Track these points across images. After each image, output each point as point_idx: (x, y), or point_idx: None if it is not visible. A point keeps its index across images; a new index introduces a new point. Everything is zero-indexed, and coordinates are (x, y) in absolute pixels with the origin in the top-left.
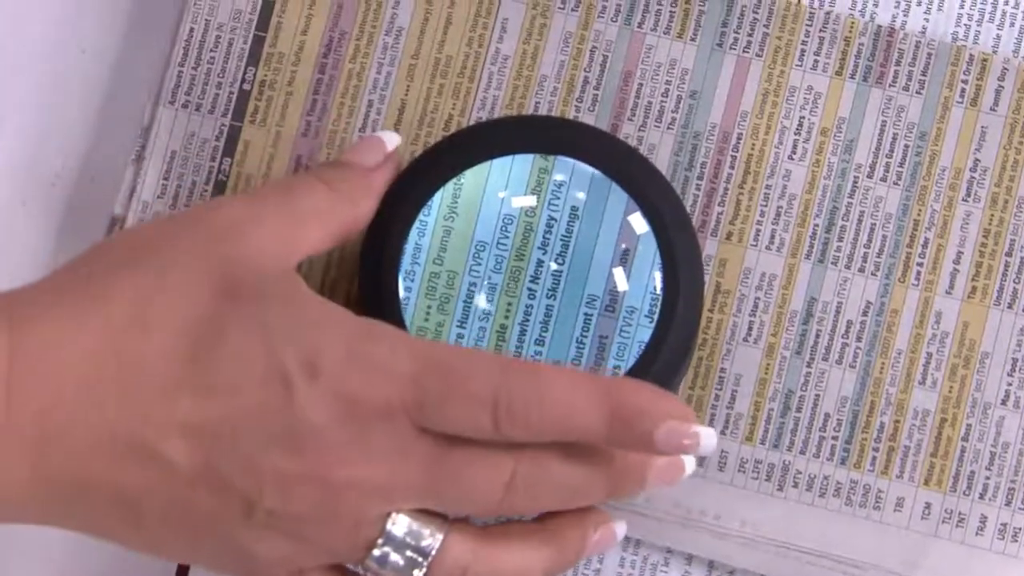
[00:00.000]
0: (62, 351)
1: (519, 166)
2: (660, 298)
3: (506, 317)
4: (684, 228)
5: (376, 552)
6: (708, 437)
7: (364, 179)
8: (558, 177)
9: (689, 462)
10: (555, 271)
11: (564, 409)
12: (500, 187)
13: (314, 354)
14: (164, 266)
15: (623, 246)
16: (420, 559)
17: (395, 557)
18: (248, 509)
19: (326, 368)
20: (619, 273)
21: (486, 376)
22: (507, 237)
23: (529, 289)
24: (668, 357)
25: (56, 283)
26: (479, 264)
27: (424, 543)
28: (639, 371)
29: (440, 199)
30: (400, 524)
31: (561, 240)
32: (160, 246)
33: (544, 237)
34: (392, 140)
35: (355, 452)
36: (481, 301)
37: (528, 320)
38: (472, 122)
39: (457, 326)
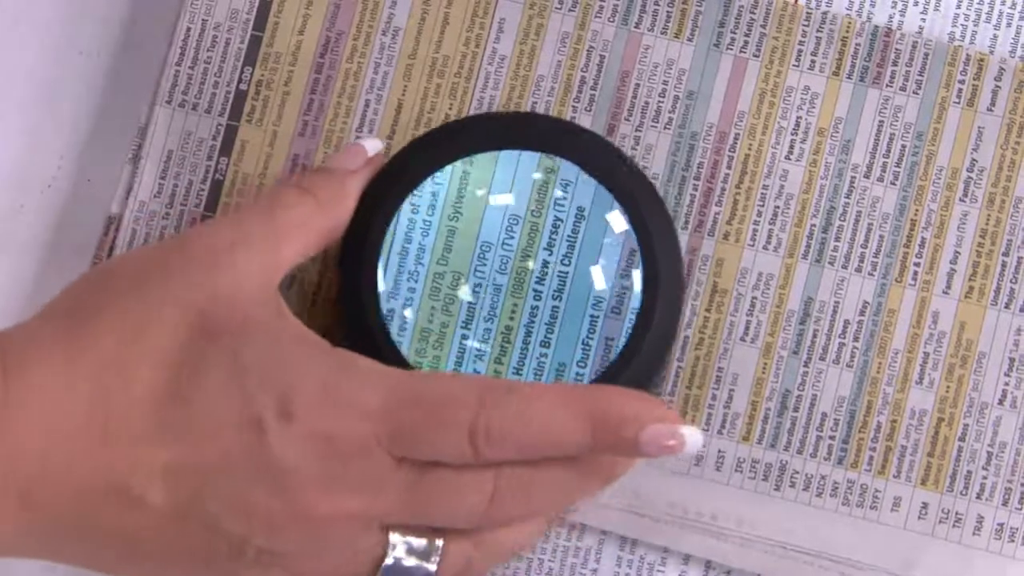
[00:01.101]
0: (52, 399)
1: (525, 164)
2: (639, 301)
3: (511, 319)
4: (665, 229)
5: (386, 563)
6: (693, 435)
7: (342, 184)
8: (565, 177)
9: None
10: (561, 272)
11: (545, 428)
12: (506, 186)
13: (287, 395)
14: (147, 306)
15: (630, 247)
16: (427, 564)
17: (404, 567)
18: (239, 548)
19: (299, 409)
20: (636, 275)
21: (462, 405)
22: (512, 238)
23: (535, 290)
24: (645, 358)
25: (45, 326)
26: (484, 265)
27: (427, 549)
28: (616, 371)
29: (444, 197)
30: (399, 539)
31: (567, 241)
32: (143, 282)
33: (550, 237)
34: (373, 147)
35: (335, 488)
36: (486, 302)
37: (533, 322)
38: None
39: (461, 327)
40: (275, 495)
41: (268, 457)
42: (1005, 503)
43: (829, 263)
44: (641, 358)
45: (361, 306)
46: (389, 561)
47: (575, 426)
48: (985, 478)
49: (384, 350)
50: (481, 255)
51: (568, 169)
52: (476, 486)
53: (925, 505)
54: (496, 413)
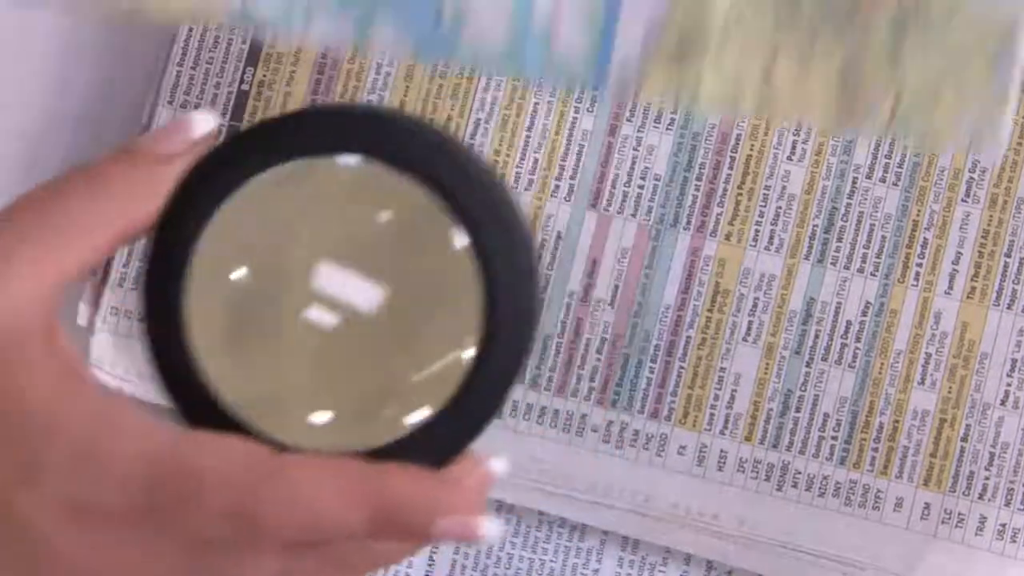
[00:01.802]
0: None
1: None
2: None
3: None
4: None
5: None
6: (492, 527)
7: (148, 174)
8: None
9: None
10: None
11: (316, 515)
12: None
13: (35, 456)
14: None
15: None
16: None
17: None
18: None
19: (47, 472)
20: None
21: (223, 485)
22: None
23: None
24: (491, 380)
25: None
26: None
27: None
28: (468, 391)
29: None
30: None
31: None
32: None
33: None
34: (203, 124)
35: (102, 559)
36: None
37: None
38: (470, 122)
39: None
40: (33, 565)
41: (16, 526)
42: (1007, 504)
43: (831, 263)
44: (482, 391)
45: (169, 362)
46: None
47: (350, 512)
48: (987, 479)
49: (212, 420)
50: None
51: None
52: (259, 567)
53: (927, 506)
54: (261, 496)
